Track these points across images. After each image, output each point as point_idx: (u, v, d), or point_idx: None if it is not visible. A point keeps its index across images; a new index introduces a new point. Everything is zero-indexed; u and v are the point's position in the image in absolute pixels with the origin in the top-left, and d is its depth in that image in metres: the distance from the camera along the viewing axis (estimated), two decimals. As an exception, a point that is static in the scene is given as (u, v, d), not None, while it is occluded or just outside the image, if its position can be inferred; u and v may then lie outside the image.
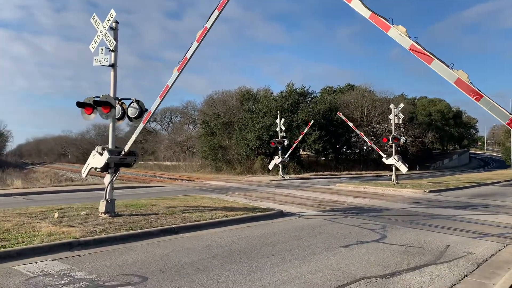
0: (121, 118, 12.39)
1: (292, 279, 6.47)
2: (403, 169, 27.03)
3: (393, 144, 28.25)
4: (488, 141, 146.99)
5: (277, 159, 36.77)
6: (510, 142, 62.34)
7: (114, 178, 12.01)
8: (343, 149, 60.64)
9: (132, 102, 12.14)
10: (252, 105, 53.71)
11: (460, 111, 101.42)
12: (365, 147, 60.80)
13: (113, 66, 12.05)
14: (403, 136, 29.54)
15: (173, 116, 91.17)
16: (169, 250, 8.32)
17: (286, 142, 37.01)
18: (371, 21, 8.55)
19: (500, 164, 77.68)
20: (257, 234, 10.24)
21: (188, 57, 11.84)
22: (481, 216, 13.98)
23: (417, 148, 65.00)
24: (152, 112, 12.53)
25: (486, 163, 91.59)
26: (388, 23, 8.21)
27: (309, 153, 57.43)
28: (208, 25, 11.51)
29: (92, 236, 8.92)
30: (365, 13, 8.69)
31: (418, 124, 64.47)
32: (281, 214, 13.41)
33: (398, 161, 27.22)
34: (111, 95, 11.97)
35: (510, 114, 6.54)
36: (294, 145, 39.30)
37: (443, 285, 6.30)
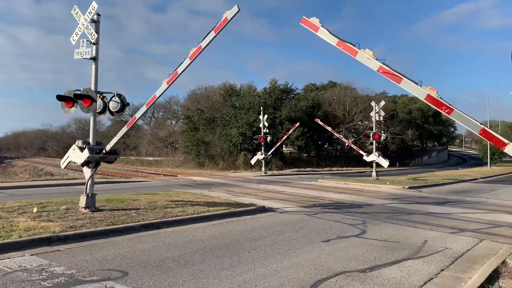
0: (102, 112, 12.26)
1: (273, 273, 6.54)
2: (384, 163, 27.42)
3: (374, 141, 28.66)
4: (466, 139, 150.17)
5: (259, 155, 36.86)
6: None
7: (94, 173, 11.88)
8: (325, 146, 61.08)
9: (114, 96, 12.02)
10: (235, 101, 53.62)
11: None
12: (346, 144, 61.39)
13: (94, 59, 11.89)
14: (384, 133, 29.99)
15: (155, 111, 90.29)
16: (150, 245, 8.29)
17: (269, 138, 37.13)
18: (338, 47, 8.77)
19: (477, 162, 79.38)
20: (239, 229, 10.28)
21: (179, 72, 11.56)
22: (458, 212, 14.31)
23: (397, 145, 65.92)
24: (137, 118, 12.45)
25: (464, 161, 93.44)
26: (355, 48, 8.44)
27: (292, 149, 57.72)
28: (203, 44, 11.18)
29: (72, 231, 8.82)
30: (332, 40, 8.88)
31: (398, 121, 65.33)
32: (263, 209, 13.47)
33: (378, 157, 27.62)
34: (92, 88, 11.82)
35: (481, 124, 6.74)
36: (278, 144, 39.43)
37: (420, 279, 6.45)
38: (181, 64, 11.52)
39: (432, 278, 6.50)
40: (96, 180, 12.48)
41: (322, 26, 8.90)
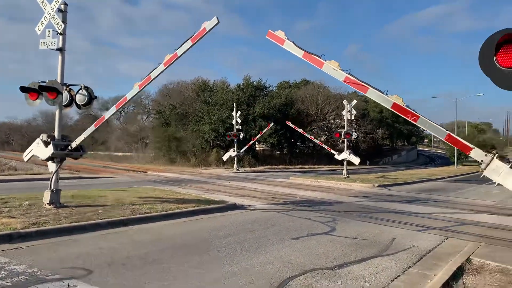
0: (68, 105, 11.88)
1: (242, 271, 6.46)
2: (356, 160, 27.83)
3: (345, 140, 28.99)
4: (434, 139, 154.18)
5: (232, 152, 36.71)
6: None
7: (59, 168, 11.49)
8: (298, 143, 61.49)
9: (81, 88, 11.65)
10: (208, 97, 53.21)
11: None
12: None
13: (61, 50, 11.48)
14: (355, 131, 30.39)
15: (125, 105, 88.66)
16: (117, 243, 8.06)
17: (242, 135, 37.02)
18: (304, 59, 8.84)
19: (445, 161, 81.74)
20: (209, 226, 10.15)
21: (152, 77, 11.36)
22: (426, 210, 14.62)
23: (368, 144, 67.07)
24: (105, 118, 12.12)
25: (432, 160, 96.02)
26: (321, 60, 8.55)
27: (265, 146, 57.81)
28: (179, 52, 10.96)
29: (35, 227, 8.49)
30: (298, 52, 8.95)
31: (369, 120, 66.46)
32: (234, 206, 13.38)
33: (350, 155, 28.01)
34: (59, 80, 11.41)
35: (446, 130, 6.90)
36: (251, 142, 39.40)
37: (388, 276, 6.51)
38: (155, 69, 11.31)
39: (399, 275, 6.57)
40: (62, 176, 12.09)
41: (287, 38, 9.00)
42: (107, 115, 12.17)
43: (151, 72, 11.34)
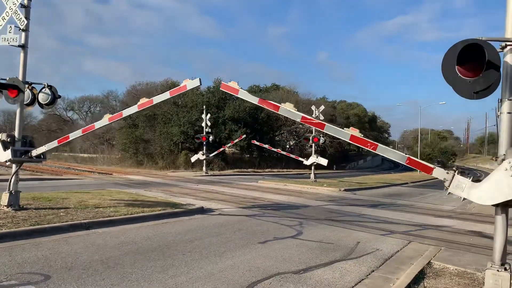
0: (30, 104, 11.46)
1: (207, 276, 6.38)
2: (324, 161, 28.36)
3: (313, 144, 29.36)
4: (399, 145, 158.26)
5: (201, 155, 36.40)
6: (418, 146, 67.79)
7: (19, 169, 11.07)
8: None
9: (44, 87, 11.27)
10: (177, 99, 52.57)
11: (375, 116, 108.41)
12: (287, 146, 62.50)
13: (23, 47, 11.08)
14: (323, 136, 30.76)
15: (92, 106, 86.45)
16: (78, 247, 7.81)
17: (211, 138, 36.83)
18: (261, 105, 9.27)
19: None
20: (175, 230, 10.00)
21: (123, 115, 11.66)
22: (390, 214, 14.95)
23: (335, 149, 68.13)
24: (70, 138, 11.88)
25: (396, 165, 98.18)
26: (276, 104, 8.84)
27: (234, 149, 57.69)
28: (155, 100, 10.99)
29: (-10, 231, 8.11)
30: (253, 99, 9.41)
31: (337, 126, 67.46)
32: (201, 210, 13.25)
33: (317, 158, 28.44)
34: (20, 78, 11.00)
35: (406, 154, 7.13)
36: (221, 149, 39.21)
37: (352, 280, 6.59)
38: (127, 108, 11.65)
39: (363, 279, 6.67)
40: (22, 177, 11.65)
41: (241, 88, 9.34)
42: (72, 135, 11.95)
43: (123, 110, 11.69)
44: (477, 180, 5.82)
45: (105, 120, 11.31)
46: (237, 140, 40.82)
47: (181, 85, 10.63)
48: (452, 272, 7.29)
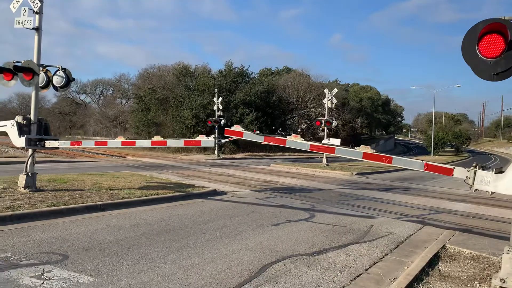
0: (45, 86, 11.53)
1: (221, 257, 6.44)
2: (337, 142, 28.02)
3: (326, 128, 29.19)
4: (412, 129, 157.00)
5: (212, 138, 36.40)
6: (432, 130, 67.03)
7: (35, 152, 11.22)
8: (279, 131, 61.57)
9: (58, 70, 11.31)
10: (189, 82, 52.56)
11: (388, 99, 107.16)
12: (299, 130, 62.27)
13: (37, 29, 11.09)
14: (335, 120, 30.60)
15: (104, 89, 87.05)
16: (94, 228, 7.93)
17: (223, 122, 36.80)
18: (267, 142, 9.57)
19: (422, 151, 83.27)
20: (189, 212, 10.09)
21: (136, 144, 12.81)
22: (403, 198, 14.88)
23: (347, 133, 67.70)
24: (82, 145, 12.39)
25: (409, 149, 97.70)
26: (282, 138, 9.04)
27: (245, 133, 57.68)
28: (168, 143, 11.69)
29: (9, 211, 8.26)
30: (259, 138, 9.70)
31: (349, 109, 67.01)
32: (214, 192, 13.34)
33: (329, 140, 28.23)
34: (35, 61, 11.04)
35: (422, 161, 7.15)
36: (233, 138, 39.04)
37: (365, 263, 6.60)
38: (141, 140, 12.82)
39: (377, 262, 6.67)
40: (38, 159, 11.83)
41: (245, 130, 9.69)
42: (85, 143, 13.06)
43: (136, 140, 12.19)
44: (499, 171, 5.70)
45: (118, 142, 11.61)
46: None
47: (196, 139, 10.90)
48: (467, 256, 7.25)
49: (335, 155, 8.41)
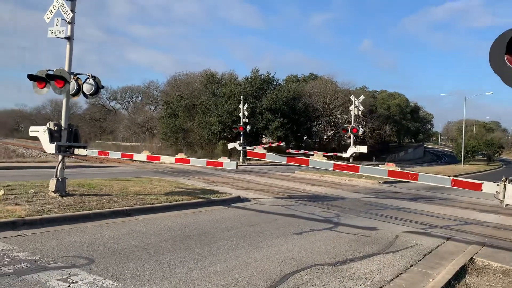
0: (76, 94, 11.87)
1: (243, 265, 6.46)
2: (363, 149, 27.66)
3: (352, 135, 28.85)
4: (442, 137, 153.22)
5: (238, 145, 36.62)
6: (462, 138, 65.27)
7: (65, 157, 11.57)
8: (304, 137, 61.37)
9: (88, 78, 11.64)
10: (216, 89, 53.17)
11: (417, 106, 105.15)
12: (325, 137, 61.86)
13: (69, 39, 11.48)
14: (362, 127, 30.21)
15: (134, 96, 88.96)
16: (119, 233, 8.10)
17: (248, 128, 37.00)
18: (289, 163, 9.81)
19: (452, 159, 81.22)
20: (212, 219, 10.17)
21: (160, 160, 12.28)
22: (430, 208, 14.54)
23: (375, 140, 66.69)
24: (109, 155, 12.95)
25: (439, 158, 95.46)
26: (305, 158, 9.45)
27: (271, 140, 57.76)
28: (192, 162, 11.66)
29: (39, 215, 8.54)
30: (282, 159, 9.92)
31: (377, 116, 66.03)
32: (238, 199, 13.39)
33: (356, 147, 27.88)
34: (66, 69, 11.43)
35: (449, 176, 7.17)
36: (259, 147, 39.21)
37: (389, 274, 6.48)
38: (166, 156, 12.43)
39: (401, 274, 6.54)
40: (68, 164, 12.18)
41: (267, 151, 10.02)
42: (111, 154, 13.17)
43: (161, 156, 12.41)
44: None
45: (143, 156, 11.80)
46: (275, 145, 41.20)
47: (219, 160, 10.78)
48: (496, 269, 7.01)
49: (360, 173, 8.44)
